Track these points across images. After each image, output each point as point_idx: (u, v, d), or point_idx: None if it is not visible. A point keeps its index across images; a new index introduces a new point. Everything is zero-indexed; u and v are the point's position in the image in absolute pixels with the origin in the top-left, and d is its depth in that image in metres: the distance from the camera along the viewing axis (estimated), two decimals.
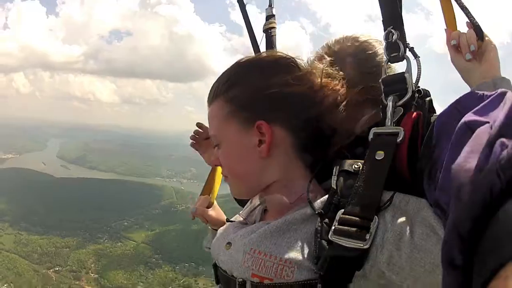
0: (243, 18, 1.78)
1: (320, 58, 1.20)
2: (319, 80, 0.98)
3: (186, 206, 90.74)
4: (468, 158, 0.53)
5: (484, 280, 0.35)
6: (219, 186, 1.76)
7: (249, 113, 0.96)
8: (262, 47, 1.67)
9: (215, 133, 1.03)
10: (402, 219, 0.74)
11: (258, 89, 0.96)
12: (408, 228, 0.72)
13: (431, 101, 0.93)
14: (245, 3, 1.79)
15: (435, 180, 0.70)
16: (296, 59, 1.01)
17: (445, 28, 1.27)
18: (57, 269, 60.72)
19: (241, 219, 1.12)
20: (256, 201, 1.11)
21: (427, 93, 0.93)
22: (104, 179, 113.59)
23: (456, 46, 1.20)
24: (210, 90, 1.04)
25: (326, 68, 1.01)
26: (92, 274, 60.55)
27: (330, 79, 0.99)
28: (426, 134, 0.80)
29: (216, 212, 1.59)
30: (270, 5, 1.68)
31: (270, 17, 1.66)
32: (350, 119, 0.97)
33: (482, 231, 0.40)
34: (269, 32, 1.63)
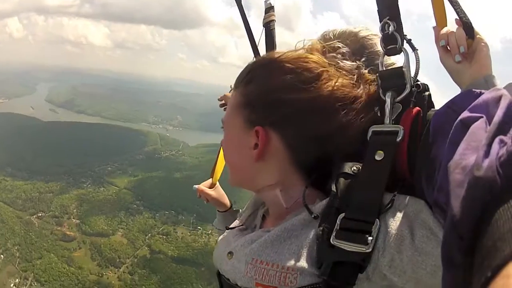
0: (241, 16, 1.73)
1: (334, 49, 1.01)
2: (333, 89, 0.90)
3: (170, 153, 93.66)
4: (464, 155, 0.53)
5: (485, 279, 0.35)
6: (223, 167, 1.81)
7: (254, 115, 0.96)
8: (262, 43, 1.62)
9: (224, 119, 1.07)
10: (403, 221, 0.73)
11: (270, 92, 0.94)
12: (408, 230, 0.72)
13: (430, 95, 0.89)
14: None
15: (433, 180, 0.69)
16: (315, 62, 0.93)
17: (434, 26, 1.19)
18: (40, 215, 63.41)
19: (240, 224, 1.13)
20: (253, 204, 1.14)
21: (425, 87, 0.89)
22: (91, 123, 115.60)
23: (445, 46, 1.14)
24: (238, 76, 1.04)
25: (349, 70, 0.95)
26: (74, 220, 63.12)
27: (350, 87, 0.92)
28: (424, 131, 0.78)
29: (217, 192, 1.65)
30: None
31: (269, 9, 1.58)
32: (356, 126, 0.90)
33: (482, 230, 0.39)
34: (268, 25, 1.56)
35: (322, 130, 0.90)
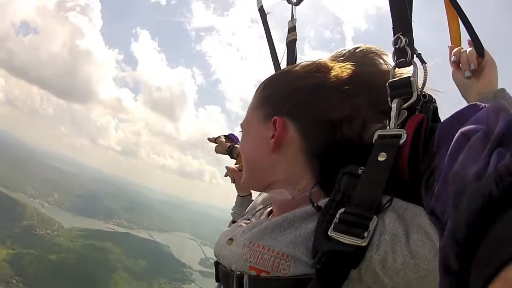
0: (264, 29, 1.79)
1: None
2: (346, 72, 0.98)
3: (46, 231, 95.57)
4: (464, 165, 0.54)
5: (483, 282, 0.36)
6: None
7: (269, 108, 1.03)
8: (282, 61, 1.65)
9: (243, 122, 1.14)
10: (399, 223, 0.74)
11: (283, 87, 1.03)
12: (404, 233, 0.73)
13: (436, 108, 0.91)
14: (266, 13, 1.81)
15: (432, 189, 0.71)
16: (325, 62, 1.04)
17: (449, 45, 1.30)
18: None
19: (246, 218, 1.16)
20: (259, 202, 1.16)
21: (432, 99, 0.92)
22: None
23: (457, 63, 1.24)
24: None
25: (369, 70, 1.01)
26: None
27: (359, 76, 0.98)
28: (427, 139, 0.81)
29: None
30: (292, 17, 1.67)
31: (292, 29, 1.64)
32: (364, 133, 0.93)
33: (479, 238, 0.40)
34: (290, 44, 1.62)
35: (333, 114, 0.94)
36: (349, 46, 1.12)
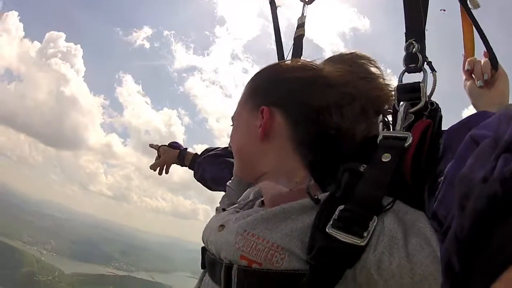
0: (272, 20, 1.80)
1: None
2: (336, 71, 0.98)
3: (47, 278, 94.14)
4: (472, 169, 0.53)
5: (486, 282, 0.37)
6: None
7: (258, 98, 1.04)
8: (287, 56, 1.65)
9: (234, 114, 1.14)
10: (399, 225, 0.73)
11: (272, 78, 1.04)
12: (403, 236, 0.72)
13: (441, 117, 0.90)
14: (277, 5, 1.80)
15: (435, 192, 0.70)
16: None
17: (463, 53, 1.32)
18: None
19: (238, 208, 1.08)
20: (253, 193, 1.09)
21: (439, 108, 0.91)
22: None
23: (469, 72, 1.24)
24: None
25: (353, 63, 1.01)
26: None
27: (350, 71, 0.98)
28: (432, 144, 0.80)
29: None
30: (302, 14, 1.69)
31: (300, 25, 1.66)
32: (355, 123, 0.93)
33: (483, 239, 0.41)
34: (298, 39, 1.63)
35: (320, 101, 0.94)
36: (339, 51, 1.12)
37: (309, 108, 0.95)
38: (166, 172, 2.29)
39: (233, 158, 1.16)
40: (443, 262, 0.50)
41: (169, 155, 2.24)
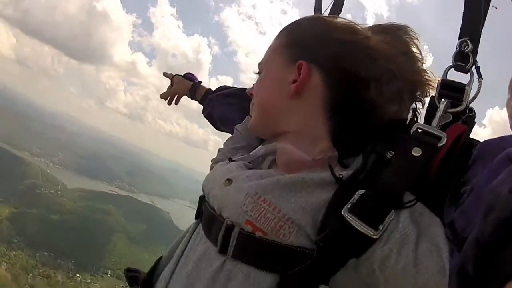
0: None
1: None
2: (383, 44, 0.93)
3: (49, 191, 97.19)
4: (502, 183, 0.54)
5: (499, 284, 0.38)
6: None
7: (297, 51, 0.96)
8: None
9: (262, 61, 1.05)
10: (413, 227, 0.71)
11: (317, 33, 0.97)
12: (415, 237, 0.70)
13: (474, 124, 0.88)
14: None
15: (458, 200, 0.69)
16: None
17: None
18: None
19: (248, 161, 1.02)
20: (264, 149, 1.02)
21: (475, 116, 0.88)
22: None
23: None
24: (280, 30, 1.06)
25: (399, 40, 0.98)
26: None
27: (395, 46, 0.94)
28: (463, 151, 0.78)
29: None
30: None
31: None
32: (389, 102, 0.91)
33: (501, 247, 0.42)
34: None
35: (363, 72, 0.89)
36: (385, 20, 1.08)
37: (350, 76, 0.90)
38: (176, 103, 2.20)
39: (246, 102, 1.09)
40: (459, 266, 0.49)
41: (182, 85, 2.12)
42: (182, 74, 2.14)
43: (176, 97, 2.13)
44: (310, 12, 1.56)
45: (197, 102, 2.05)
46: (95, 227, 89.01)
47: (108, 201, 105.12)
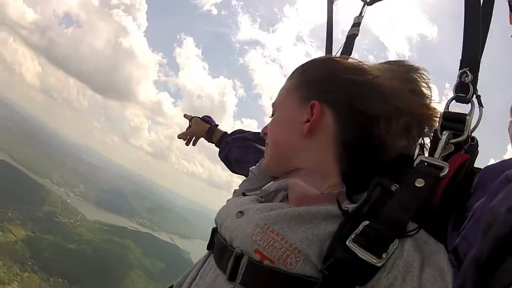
0: (327, 14, 1.79)
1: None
2: (391, 82, 0.95)
3: (68, 220, 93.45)
4: (500, 203, 0.55)
5: None
6: None
7: (309, 91, 1.00)
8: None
9: (276, 102, 1.09)
10: (417, 254, 0.73)
11: (328, 74, 1.00)
12: (419, 264, 0.71)
13: (477, 154, 0.90)
14: (334, 1, 1.80)
15: (460, 227, 0.70)
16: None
17: None
18: None
19: (260, 196, 1.05)
20: (276, 184, 1.05)
21: (477, 145, 0.91)
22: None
23: None
24: (293, 71, 1.10)
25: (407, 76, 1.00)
26: None
27: (403, 83, 0.97)
28: (466, 179, 0.81)
29: None
30: (360, 14, 1.68)
31: (356, 24, 1.65)
32: (397, 138, 0.93)
33: (499, 264, 0.42)
34: (350, 38, 1.62)
35: (373, 111, 0.92)
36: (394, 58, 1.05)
37: (361, 115, 0.93)
38: (194, 144, 2.30)
39: (261, 144, 1.10)
40: (458, 284, 0.51)
41: (199, 127, 2.20)
42: (201, 117, 2.23)
43: (194, 138, 2.22)
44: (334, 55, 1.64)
45: (214, 144, 2.16)
46: (112, 260, 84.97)
47: (127, 237, 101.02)
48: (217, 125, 2.14)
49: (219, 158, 2.10)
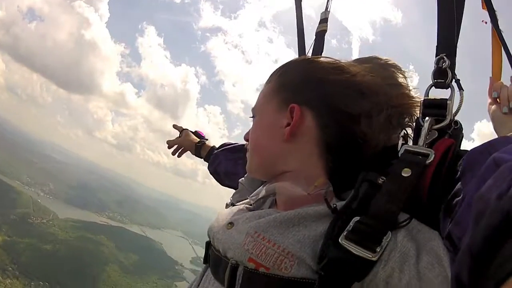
0: (296, 12, 1.75)
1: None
2: (369, 78, 0.96)
3: (41, 221, 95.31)
4: (490, 189, 0.54)
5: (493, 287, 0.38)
6: None
7: (287, 95, 0.99)
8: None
9: (255, 107, 1.09)
10: (412, 243, 0.73)
11: (305, 76, 0.99)
12: (415, 253, 0.71)
13: (462, 137, 0.90)
14: None
15: (452, 212, 0.70)
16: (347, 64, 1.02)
17: (490, 76, 1.33)
18: None
19: (249, 204, 1.06)
20: (265, 190, 1.03)
21: (462, 128, 0.91)
22: None
23: (495, 98, 1.25)
24: (270, 74, 1.09)
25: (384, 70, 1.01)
26: None
27: (380, 78, 0.98)
28: (452, 164, 0.80)
29: None
30: (326, 9, 1.65)
31: (323, 20, 1.63)
32: (380, 132, 0.92)
33: (494, 253, 0.42)
34: (320, 34, 1.60)
35: (353, 109, 0.92)
36: (368, 54, 1.14)
37: (341, 114, 0.93)
38: (179, 156, 2.27)
39: None
40: (453, 274, 0.51)
41: (189, 140, 2.20)
42: (193, 131, 2.25)
43: (181, 149, 2.25)
44: (295, 39, 1.69)
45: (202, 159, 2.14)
46: (88, 257, 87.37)
47: (100, 232, 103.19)
48: (206, 140, 2.17)
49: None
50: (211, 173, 2.05)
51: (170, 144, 2.24)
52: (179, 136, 2.25)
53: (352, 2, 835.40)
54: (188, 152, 2.24)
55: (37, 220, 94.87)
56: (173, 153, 2.26)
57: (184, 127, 2.27)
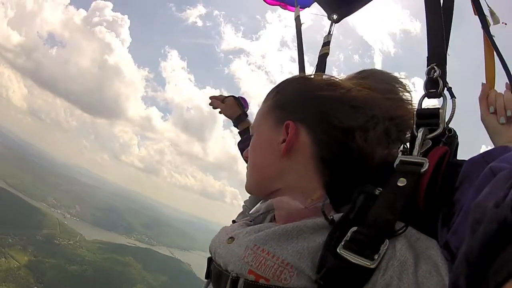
0: (296, 36, 1.85)
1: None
2: (364, 93, 0.98)
3: (68, 242, 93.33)
4: (487, 198, 0.54)
5: None
6: None
7: (283, 112, 1.01)
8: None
9: (253, 125, 1.12)
10: (410, 251, 0.73)
11: (299, 93, 1.02)
12: (413, 262, 0.71)
13: (457, 144, 0.92)
14: (301, 23, 1.86)
15: (449, 222, 0.71)
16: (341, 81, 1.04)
17: (483, 82, 1.29)
18: None
19: (249, 220, 1.09)
20: (265, 206, 1.07)
21: (456, 135, 0.92)
22: None
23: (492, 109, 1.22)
24: (266, 95, 1.12)
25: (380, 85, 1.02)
26: None
27: (377, 91, 0.99)
28: (448, 172, 0.80)
29: None
30: (329, 33, 1.71)
31: (325, 44, 1.68)
32: (376, 146, 0.93)
33: (490, 260, 0.43)
34: (322, 57, 1.64)
35: (347, 124, 0.93)
36: (390, 67, 1.12)
37: (335, 129, 0.94)
38: (220, 111, 2.32)
39: None
40: (450, 282, 0.52)
41: (231, 109, 2.25)
42: (239, 97, 2.24)
43: (220, 110, 2.27)
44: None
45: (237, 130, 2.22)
46: (116, 278, 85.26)
47: (127, 253, 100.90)
48: (247, 115, 2.21)
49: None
50: (239, 149, 2.06)
51: (214, 104, 2.28)
52: (223, 100, 2.27)
53: (371, 17, 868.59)
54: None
55: (64, 241, 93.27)
56: (210, 104, 2.31)
57: (227, 95, 2.28)
